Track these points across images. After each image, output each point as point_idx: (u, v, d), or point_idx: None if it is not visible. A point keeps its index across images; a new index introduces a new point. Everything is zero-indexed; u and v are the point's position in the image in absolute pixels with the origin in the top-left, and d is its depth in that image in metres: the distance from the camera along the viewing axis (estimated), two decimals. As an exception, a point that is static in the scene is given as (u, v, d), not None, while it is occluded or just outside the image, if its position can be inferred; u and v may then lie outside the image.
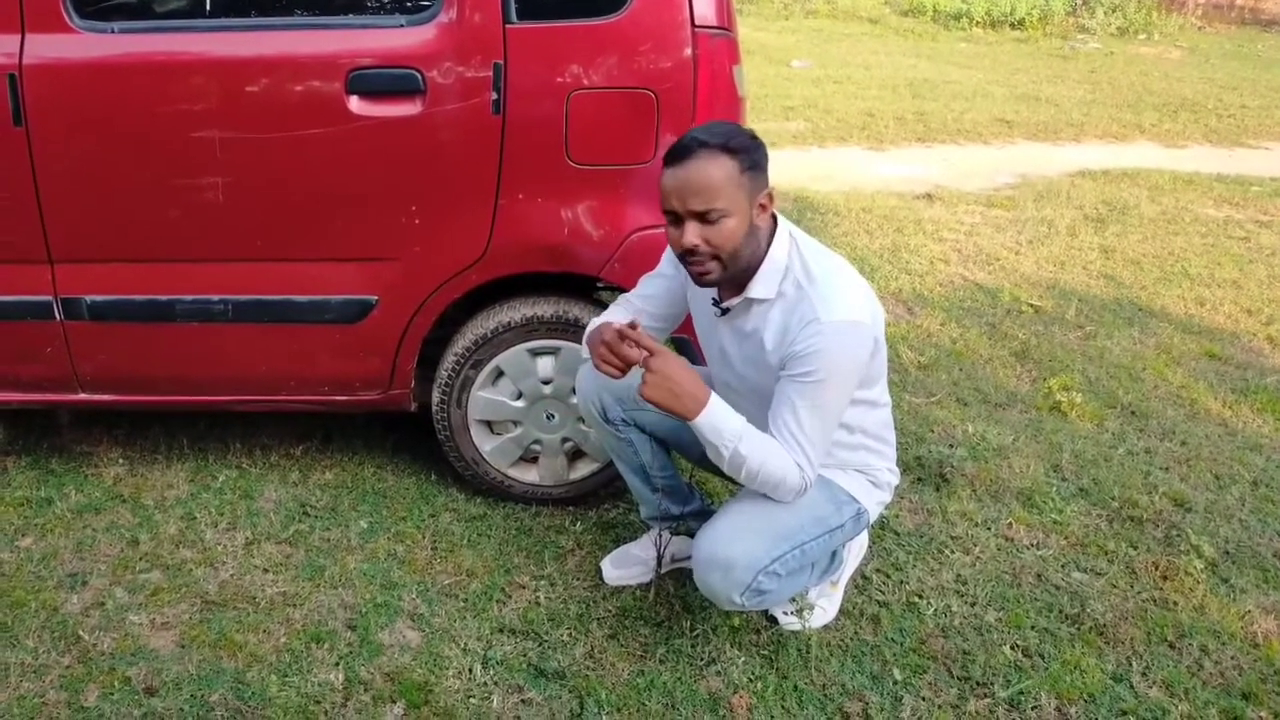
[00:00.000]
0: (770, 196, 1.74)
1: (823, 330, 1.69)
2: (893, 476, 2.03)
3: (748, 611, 1.99)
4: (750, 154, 1.69)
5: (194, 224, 2.17)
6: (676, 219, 1.71)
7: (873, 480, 1.98)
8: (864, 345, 1.74)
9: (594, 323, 1.98)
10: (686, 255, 1.72)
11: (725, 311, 1.86)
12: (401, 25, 2.08)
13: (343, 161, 2.12)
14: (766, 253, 1.77)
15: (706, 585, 1.86)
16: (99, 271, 2.23)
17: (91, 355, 2.31)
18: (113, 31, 2.07)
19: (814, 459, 1.76)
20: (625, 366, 1.74)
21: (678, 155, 1.69)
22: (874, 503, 1.99)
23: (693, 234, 1.69)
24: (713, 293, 1.88)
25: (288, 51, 2.08)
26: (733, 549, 1.81)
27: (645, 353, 1.71)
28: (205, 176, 2.12)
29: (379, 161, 2.12)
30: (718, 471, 1.95)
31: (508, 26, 2.04)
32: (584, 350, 1.98)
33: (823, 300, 1.71)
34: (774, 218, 1.80)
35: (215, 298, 2.24)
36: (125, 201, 2.16)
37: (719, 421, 1.72)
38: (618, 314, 2.02)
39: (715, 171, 1.66)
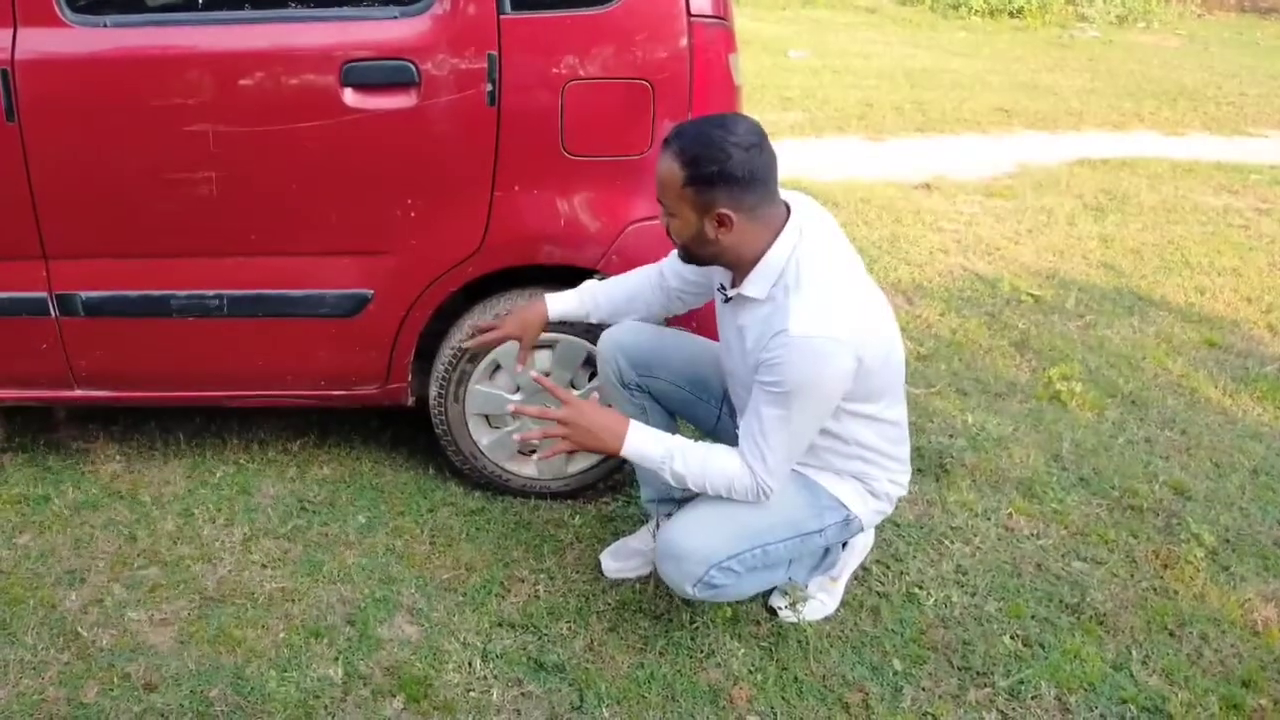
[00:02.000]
0: (727, 218, 1.68)
1: (788, 343, 1.65)
2: (895, 488, 1.96)
3: (719, 603, 2.00)
4: (703, 168, 1.65)
5: (189, 218, 2.16)
6: None
7: (870, 490, 1.92)
8: (836, 364, 1.67)
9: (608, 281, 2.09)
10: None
11: (728, 300, 1.85)
12: (395, 17, 2.06)
13: (337, 154, 2.11)
14: (765, 252, 1.73)
15: (662, 573, 1.89)
16: (94, 267, 2.22)
17: (87, 351, 2.30)
18: (106, 25, 2.06)
19: (773, 465, 1.75)
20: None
21: (664, 141, 1.73)
22: (869, 510, 1.94)
23: (662, 216, 1.78)
24: (723, 278, 1.87)
25: (281, 44, 2.07)
26: (689, 541, 1.82)
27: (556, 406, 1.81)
28: (200, 171, 2.11)
29: (374, 154, 2.11)
30: None
31: (502, 17, 2.03)
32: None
33: (797, 312, 1.66)
34: (788, 211, 1.75)
35: (210, 292, 2.23)
36: (120, 196, 2.15)
37: (643, 449, 1.80)
38: (646, 273, 2.07)
39: (664, 173, 1.71)
